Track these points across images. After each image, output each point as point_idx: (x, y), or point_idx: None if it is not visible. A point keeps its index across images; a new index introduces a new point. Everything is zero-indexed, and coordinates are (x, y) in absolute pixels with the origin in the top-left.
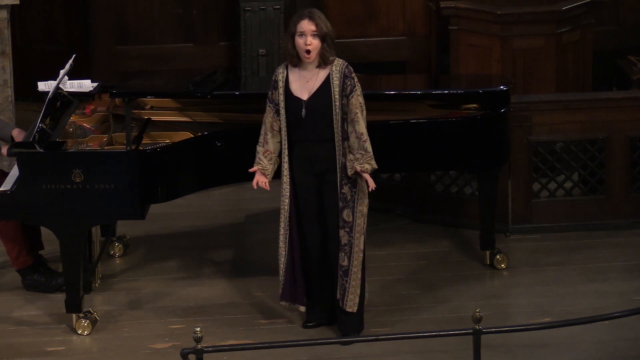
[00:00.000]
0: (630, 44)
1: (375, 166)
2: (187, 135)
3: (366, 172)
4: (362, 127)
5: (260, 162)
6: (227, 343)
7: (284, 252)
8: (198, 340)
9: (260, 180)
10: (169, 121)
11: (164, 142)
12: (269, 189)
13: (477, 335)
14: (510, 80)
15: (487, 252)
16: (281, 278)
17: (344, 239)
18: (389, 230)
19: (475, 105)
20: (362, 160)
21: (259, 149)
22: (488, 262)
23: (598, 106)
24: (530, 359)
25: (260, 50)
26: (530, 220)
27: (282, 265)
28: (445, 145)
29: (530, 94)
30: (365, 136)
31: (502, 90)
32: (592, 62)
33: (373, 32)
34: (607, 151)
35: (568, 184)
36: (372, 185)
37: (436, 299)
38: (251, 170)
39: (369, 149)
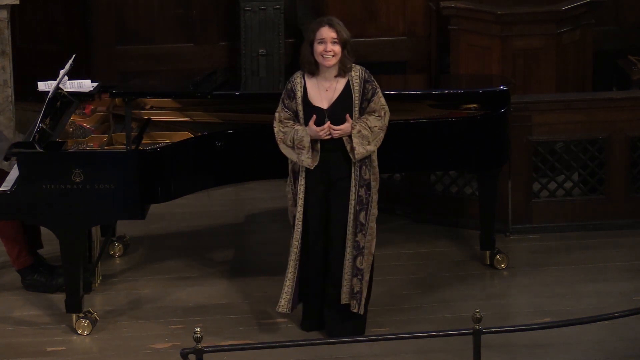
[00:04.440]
0: (630, 44)
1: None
2: (187, 135)
3: (354, 129)
4: (374, 121)
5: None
6: (227, 343)
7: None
8: (198, 340)
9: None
10: (169, 121)
11: (164, 142)
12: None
13: (477, 335)
14: (510, 80)
15: (487, 252)
16: (289, 289)
17: (362, 242)
18: (389, 230)
19: (475, 106)
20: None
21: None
22: (488, 262)
23: (598, 106)
24: (530, 359)
25: (260, 50)
26: (530, 220)
27: (290, 275)
28: (445, 145)
29: (530, 94)
30: (376, 129)
31: (502, 90)
32: (592, 62)
33: (373, 32)
34: (607, 151)
35: (568, 184)
36: (337, 129)
37: (436, 299)
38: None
39: (375, 130)
